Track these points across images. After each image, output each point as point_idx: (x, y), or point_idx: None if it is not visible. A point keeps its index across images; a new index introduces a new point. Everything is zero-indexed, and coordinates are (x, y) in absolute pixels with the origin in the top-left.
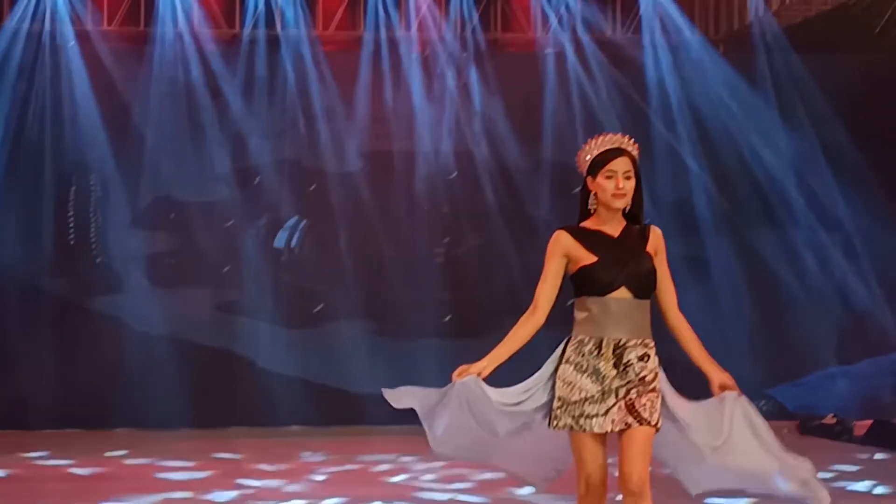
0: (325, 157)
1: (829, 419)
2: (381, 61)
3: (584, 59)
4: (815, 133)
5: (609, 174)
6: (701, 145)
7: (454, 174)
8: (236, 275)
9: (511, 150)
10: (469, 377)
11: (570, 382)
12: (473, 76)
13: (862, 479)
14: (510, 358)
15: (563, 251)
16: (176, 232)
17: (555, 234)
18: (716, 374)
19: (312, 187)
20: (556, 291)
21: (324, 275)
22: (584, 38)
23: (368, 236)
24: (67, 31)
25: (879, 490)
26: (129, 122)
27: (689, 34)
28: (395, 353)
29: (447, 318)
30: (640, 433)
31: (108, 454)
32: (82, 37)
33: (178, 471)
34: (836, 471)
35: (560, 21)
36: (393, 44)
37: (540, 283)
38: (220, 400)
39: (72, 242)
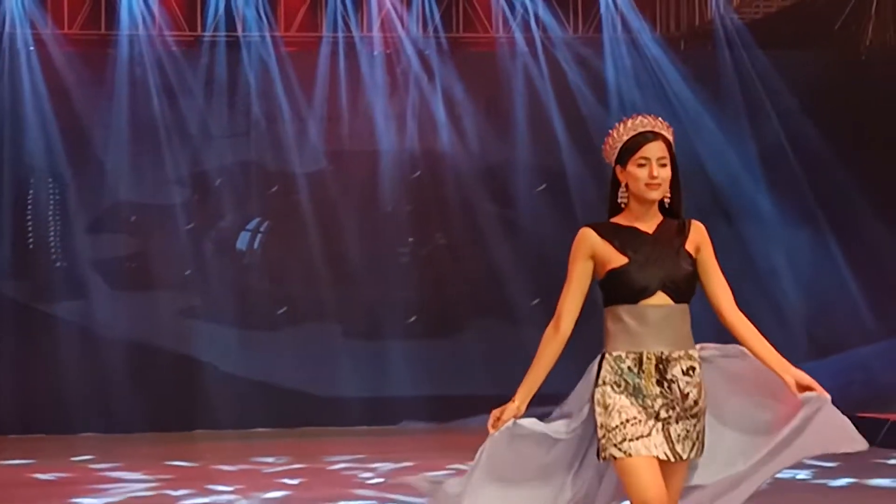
0: (287, 158)
1: None
2: (343, 62)
3: (544, 58)
4: (780, 127)
5: (641, 161)
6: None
7: (418, 173)
8: (198, 278)
9: (474, 149)
10: (505, 427)
11: (608, 406)
12: (436, 75)
13: (840, 475)
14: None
15: (588, 252)
16: (136, 235)
17: (579, 233)
18: (790, 374)
19: (274, 188)
20: (583, 299)
21: (287, 277)
22: (545, 37)
23: (332, 237)
24: (26, 35)
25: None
26: (89, 126)
27: (649, 32)
28: (361, 355)
29: (412, 319)
30: (677, 470)
31: (73, 459)
32: (41, 41)
33: (145, 474)
34: (813, 466)
35: (521, 20)
36: (354, 44)
37: (563, 292)
38: (184, 404)
39: (31, 246)
